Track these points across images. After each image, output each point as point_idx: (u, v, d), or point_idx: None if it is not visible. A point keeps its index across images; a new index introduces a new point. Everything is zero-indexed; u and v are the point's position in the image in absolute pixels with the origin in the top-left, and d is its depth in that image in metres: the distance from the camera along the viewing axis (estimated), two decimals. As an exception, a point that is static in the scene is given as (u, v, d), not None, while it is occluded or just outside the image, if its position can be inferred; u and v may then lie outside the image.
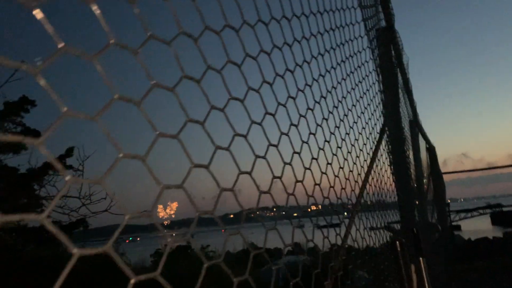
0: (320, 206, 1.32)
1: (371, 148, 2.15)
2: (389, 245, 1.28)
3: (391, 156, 2.58)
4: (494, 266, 9.92)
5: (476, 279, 8.80)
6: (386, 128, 2.82)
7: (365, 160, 1.97)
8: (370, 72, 1.99)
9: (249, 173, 0.71)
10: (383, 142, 2.48)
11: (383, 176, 2.42)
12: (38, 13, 0.39)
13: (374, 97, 2.19)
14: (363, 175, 1.94)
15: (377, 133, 2.38)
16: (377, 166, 2.26)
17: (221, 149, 0.64)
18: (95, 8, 0.44)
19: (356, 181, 1.76)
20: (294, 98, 0.98)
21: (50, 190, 9.76)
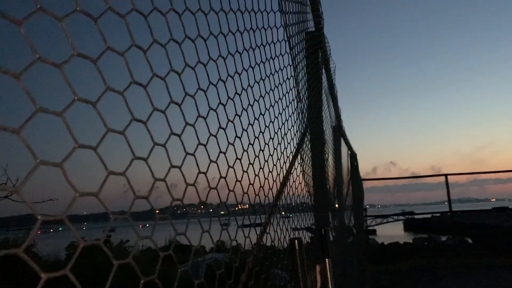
0: (247, 205, 1.32)
1: (291, 152, 2.18)
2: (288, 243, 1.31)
3: (309, 155, 2.65)
4: (403, 268, 10.65)
5: (386, 279, 9.39)
6: (308, 130, 2.90)
7: (284, 162, 1.99)
8: (287, 79, 2.02)
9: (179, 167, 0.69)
10: (305, 144, 2.54)
11: (302, 180, 2.47)
12: None
13: (287, 106, 2.22)
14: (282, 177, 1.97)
15: (300, 133, 2.43)
16: (296, 168, 2.30)
17: (139, 159, 0.61)
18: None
19: (280, 183, 1.78)
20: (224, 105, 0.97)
21: None
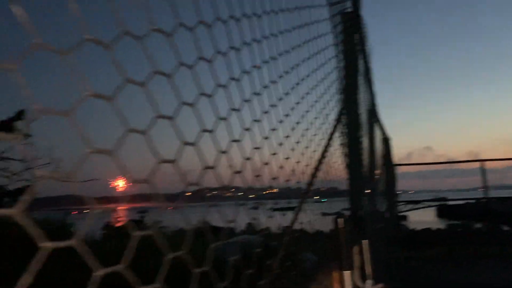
0: (277, 189, 1.33)
1: (323, 136, 2.17)
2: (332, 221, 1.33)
3: (346, 138, 2.63)
4: (434, 255, 10.48)
5: (416, 266, 9.27)
6: (344, 112, 2.88)
7: (307, 148, 1.99)
8: (331, 58, 2.00)
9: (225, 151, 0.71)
10: (340, 126, 2.52)
11: (337, 163, 2.46)
12: (15, 7, 0.37)
13: (329, 86, 2.19)
14: (317, 160, 1.97)
15: (335, 118, 2.40)
16: (331, 153, 2.29)
17: (188, 144, 0.63)
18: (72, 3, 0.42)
19: (314, 168, 1.78)
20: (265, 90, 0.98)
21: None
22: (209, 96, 0.67)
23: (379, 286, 2.28)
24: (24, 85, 0.37)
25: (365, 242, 1.94)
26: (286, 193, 1.49)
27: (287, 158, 1.21)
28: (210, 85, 0.70)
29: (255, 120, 0.93)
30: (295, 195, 1.66)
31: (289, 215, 1.65)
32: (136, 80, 0.50)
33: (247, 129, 0.86)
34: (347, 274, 1.32)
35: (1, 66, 0.35)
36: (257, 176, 0.96)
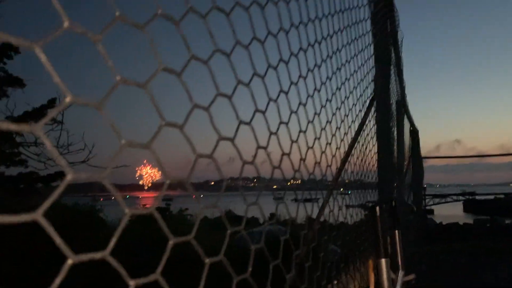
0: (300, 180, 1.32)
1: (353, 121, 2.13)
2: (368, 210, 1.32)
3: (376, 127, 2.59)
4: (462, 249, 10.29)
5: (443, 260, 9.14)
6: (375, 102, 2.83)
7: (346, 134, 1.96)
8: (368, 45, 1.96)
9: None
10: (370, 115, 2.49)
11: (367, 154, 2.43)
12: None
13: (368, 72, 2.15)
14: (346, 149, 1.95)
15: (368, 107, 2.37)
16: (362, 145, 2.27)
17: (224, 139, 0.62)
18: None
19: (341, 158, 1.76)
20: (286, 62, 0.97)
21: (27, 137, 9.50)
22: (262, 77, 0.68)
23: (411, 276, 2.26)
24: (107, 56, 0.38)
25: (397, 233, 1.93)
26: (310, 184, 1.49)
27: (329, 144, 1.20)
28: (263, 65, 0.71)
29: (301, 104, 0.93)
30: (319, 187, 1.64)
31: (311, 206, 1.64)
32: (171, 67, 0.50)
33: (294, 112, 0.86)
34: (383, 261, 1.32)
35: (88, 37, 0.36)
36: (302, 159, 0.96)
